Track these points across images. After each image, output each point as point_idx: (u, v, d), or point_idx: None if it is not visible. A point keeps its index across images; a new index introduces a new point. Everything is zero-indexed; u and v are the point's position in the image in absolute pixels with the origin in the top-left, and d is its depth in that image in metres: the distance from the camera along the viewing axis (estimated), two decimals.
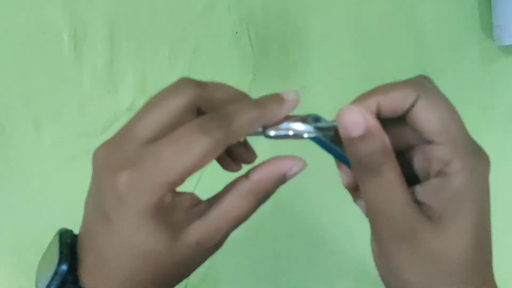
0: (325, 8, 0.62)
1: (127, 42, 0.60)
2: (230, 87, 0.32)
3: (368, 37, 0.62)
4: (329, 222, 0.62)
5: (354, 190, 0.34)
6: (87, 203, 0.30)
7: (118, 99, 0.59)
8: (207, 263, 0.56)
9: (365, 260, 0.64)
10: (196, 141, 0.27)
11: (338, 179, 0.61)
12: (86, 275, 0.29)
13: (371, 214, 0.30)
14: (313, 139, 0.31)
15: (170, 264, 0.29)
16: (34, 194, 0.59)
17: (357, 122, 0.28)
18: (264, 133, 0.31)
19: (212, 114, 0.29)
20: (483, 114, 0.63)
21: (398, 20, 0.62)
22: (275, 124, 0.31)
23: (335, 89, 0.61)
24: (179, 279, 0.32)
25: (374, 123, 0.28)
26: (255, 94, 0.52)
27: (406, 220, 0.27)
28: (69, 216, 0.60)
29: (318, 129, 0.31)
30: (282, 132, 0.31)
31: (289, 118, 0.31)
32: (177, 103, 0.29)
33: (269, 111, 0.30)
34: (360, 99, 0.30)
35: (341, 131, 0.29)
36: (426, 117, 0.28)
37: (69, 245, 0.31)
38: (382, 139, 0.28)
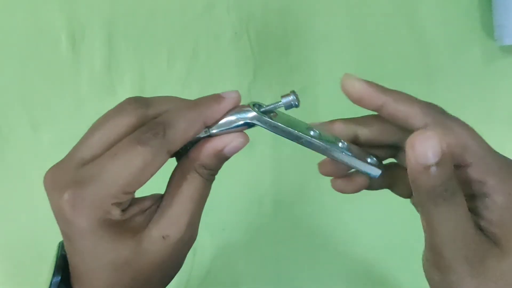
0: (326, 8, 0.61)
1: (126, 43, 0.59)
2: (178, 99, 0.32)
3: (369, 37, 0.62)
4: (330, 224, 0.62)
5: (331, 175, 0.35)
6: None
7: (116, 101, 0.58)
8: (207, 265, 0.56)
9: (366, 262, 0.64)
10: (133, 153, 0.27)
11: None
12: (75, 286, 0.30)
13: (438, 240, 0.27)
14: (261, 122, 0.31)
15: (144, 265, 0.29)
16: (32, 197, 0.59)
17: (435, 149, 0.25)
18: (207, 133, 0.31)
19: (149, 124, 0.29)
20: (484, 114, 0.62)
21: (399, 21, 0.62)
22: (217, 122, 0.31)
23: (336, 90, 0.61)
24: (164, 278, 0.32)
25: (446, 148, 0.26)
26: (255, 95, 0.52)
27: (476, 245, 0.26)
28: None
29: (263, 112, 0.31)
30: (224, 127, 0.31)
31: (230, 111, 0.31)
32: (119, 124, 0.29)
33: (207, 110, 0.30)
34: (371, 85, 0.30)
35: (415, 160, 0.26)
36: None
37: (63, 257, 0.31)
38: (452, 168, 0.26)
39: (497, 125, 0.63)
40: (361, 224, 0.62)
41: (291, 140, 0.32)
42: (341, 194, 0.60)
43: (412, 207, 0.35)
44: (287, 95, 0.31)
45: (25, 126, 0.58)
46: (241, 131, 0.31)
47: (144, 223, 0.30)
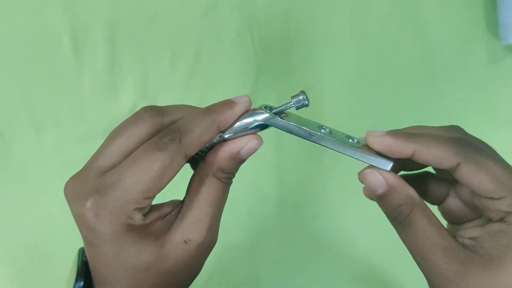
0: (329, 9, 0.61)
1: (128, 45, 0.60)
2: (191, 107, 0.33)
3: (373, 38, 0.62)
4: (333, 226, 0.62)
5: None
6: None
7: (118, 103, 0.59)
8: (209, 267, 0.56)
9: (368, 264, 0.64)
10: (152, 158, 0.29)
11: (342, 183, 0.62)
12: None
13: (415, 260, 0.31)
14: (274, 122, 0.32)
15: (167, 269, 0.30)
16: (34, 199, 0.59)
17: (379, 182, 0.31)
18: (221, 138, 0.33)
19: (165, 130, 0.30)
20: (488, 114, 0.62)
21: (403, 21, 0.62)
22: (230, 127, 0.32)
23: (339, 91, 0.61)
24: (184, 282, 0.33)
25: (396, 180, 0.30)
26: (258, 96, 0.52)
27: (450, 264, 0.28)
28: (69, 221, 0.60)
29: (274, 114, 0.33)
30: (238, 131, 0.32)
31: (242, 115, 0.33)
32: (137, 132, 0.30)
33: (220, 115, 0.31)
34: (398, 137, 0.31)
35: (368, 191, 0.32)
36: (476, 180, 0.29)
37: (85, 263, 0.32)
38: (406, 192, 0.30)
39: (501, 124, 0.63)
40: (365, 226, 0.62)
41: (304, 138, 0.33)
42: (344, 197, 0.61)
43: None
44: (297, 95, 0.32)
45: (27, 129, 0.58)
46: (255, 133, 0.33)
47: (165, 228, 0.31)
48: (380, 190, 0.31)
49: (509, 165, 0.30)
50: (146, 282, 0.30)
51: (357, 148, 0.32)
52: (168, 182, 0.29)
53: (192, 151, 0.30)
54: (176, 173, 0.30)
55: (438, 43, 0.62)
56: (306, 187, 0.62)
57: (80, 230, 0.30)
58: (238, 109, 0.32)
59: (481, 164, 0.29)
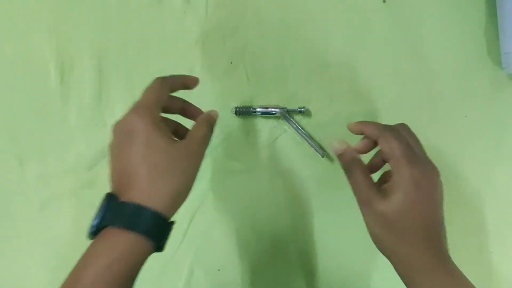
0: (324, 36, 0.62)
1: (116, 74, 0.61)
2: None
3: (371, 66, 0.62)
4: (332, 264, 0.61)
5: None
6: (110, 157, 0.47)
7: (106, 133, 0.59)
8: None
9: None
10: (153, 86, 0.49)
11: (340, 220, 0.62)
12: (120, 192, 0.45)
13: (354, 194, 0.50)
14: (283, 115, 0.61)
15: (169, 149, 0.46)
16: (18, 235, 0.59)
17: (337, 148, 0.52)
18: (253, 110, 0.61)
19: None
20: (493, 143, 0.62)
21: (403, 48, 0.63)
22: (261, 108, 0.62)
23: (335, 121, 0.61)
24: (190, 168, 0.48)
25: (347, 148, 0.52)
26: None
27: (366, 195, 0.48)
28: (53, 258, 0.59)
29: (287, 111, 0.62)
30: (264, 109, 0.61)
31: (270, 106, 0.62)
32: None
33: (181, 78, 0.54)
34: (357, 123, 0.53)
35: (333, 152, 0.54)
36: (382, 147, 0.49)
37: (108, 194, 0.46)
38: (352, 155, 0.52)
39: (506, 154, 0.62)
40: (362, 265, 0.61)
41: (294, 129, 0.61)
42: (342, 235, 0.61)
43: None
44: (301, 107, 0.61)
45: (10, 161, 0.59)
46: (272, 114, 0.61)
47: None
48: (338, 152, 0.52)
49: (404, 143, 0.48)
50: (163, 161, 0.45)
51: (312, 139, 0.61)
52: (165, 98, 0.49)
53: (171, 85, 0.51)
54: (166, 93, 0.49)
55: (440, 71, 0.63)
56: (303, 224, 0.61)
57: (117, 139, 0.46)
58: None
59: (388, 138, 0.48)
